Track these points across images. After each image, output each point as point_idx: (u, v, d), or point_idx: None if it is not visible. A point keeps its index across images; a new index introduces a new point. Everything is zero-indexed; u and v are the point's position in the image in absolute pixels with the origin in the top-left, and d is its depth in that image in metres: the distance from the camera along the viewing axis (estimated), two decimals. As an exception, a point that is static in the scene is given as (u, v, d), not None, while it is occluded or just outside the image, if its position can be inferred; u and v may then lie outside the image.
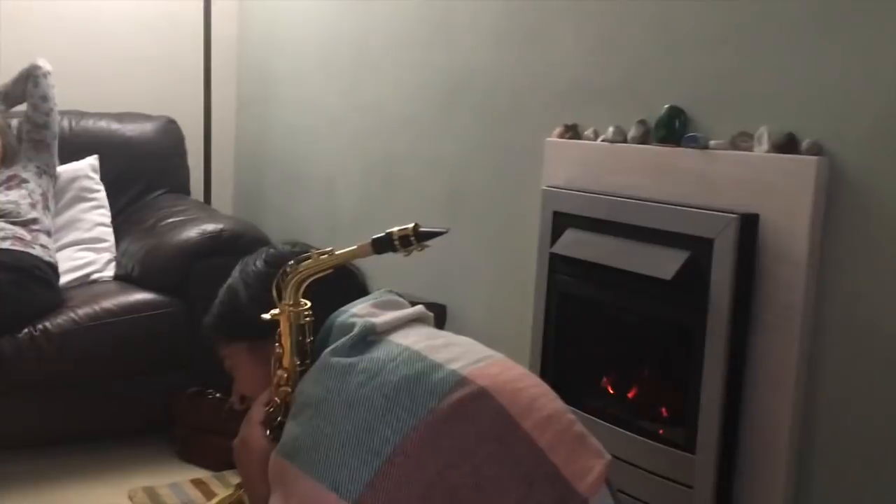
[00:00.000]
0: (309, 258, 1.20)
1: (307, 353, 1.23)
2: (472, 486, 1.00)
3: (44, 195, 2.71)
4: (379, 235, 1.14)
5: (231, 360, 1.30)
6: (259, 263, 1.31)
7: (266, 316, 1.23)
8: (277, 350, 1.22)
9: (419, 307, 1.24)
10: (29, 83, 2.79)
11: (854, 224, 1.43)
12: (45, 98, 2.79)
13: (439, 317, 2.34)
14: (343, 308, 1.18)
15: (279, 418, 1.20)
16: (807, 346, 1.49)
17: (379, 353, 1.09)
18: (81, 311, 2.50)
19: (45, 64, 2.81)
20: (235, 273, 1.33)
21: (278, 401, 1.21)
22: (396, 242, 1.14)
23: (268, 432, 1.19)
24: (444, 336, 1.18)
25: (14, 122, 2.92)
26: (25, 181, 2.68)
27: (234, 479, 2.44)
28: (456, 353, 1.11)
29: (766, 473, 1.53)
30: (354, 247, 1.16)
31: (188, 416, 2.58)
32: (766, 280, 1.53)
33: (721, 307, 1.55)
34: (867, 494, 1.42)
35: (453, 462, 1.01)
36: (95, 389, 2.53)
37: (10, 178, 2.68)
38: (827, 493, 1.48)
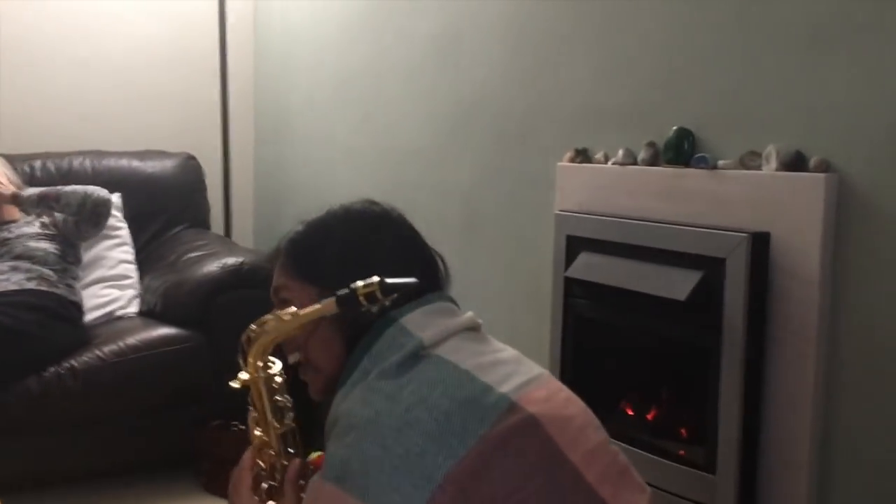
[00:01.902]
0: (270, 320, 1.14)
1: (286, 411, 1.21)
2: None
3: (75, 258, 2.78)
4: (343, 292, 1.09)
5: (288, 294, 1.19)
6: (362, 218, 1.23)
7: (234, 384, 1.21)
8: (252, 414, 1.21)
9: (469, 316, 1.18)
10: (97, 218, 2.77)
11: (865, 239, 1.43)
12: (98, 233, 2.84)
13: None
14: (395, 314, 1.12)
15: (269, 482, 1.17)
16: (822, 362, 1.48)
17: (428, 372, 1.05)
18: (107, 348, 2.54)
19: (118, 201, 2.91)
20: (338, 211, 1.25)
21: (263, 464, 1.19)
22: (361, 298, 1.09)
23: (261, 498, 1.16)
24: (492, 350, 1.13)
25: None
26: (55, 236, 2.73)
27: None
28: (504, 372, 1.08)
29: (787, 491, 1.52)
30: (318, 305, 1.11)
31: (213, 449, 2.60)
32: (779, 298, 1.53)
33: (735, 326, 1.56)
34: (890, 511, 1.41)
35: (502, 494, 0.98)
36: (121, 425, 2.56)
37: (43, 227, 2.74)
38: (849, 511, 1.47)
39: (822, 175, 1.46)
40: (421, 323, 1.11)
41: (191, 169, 3.30)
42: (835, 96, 1.47)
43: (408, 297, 1.14)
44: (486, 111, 2.35)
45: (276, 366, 1.21)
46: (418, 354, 1.07)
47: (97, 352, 2.52)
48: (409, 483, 0.97)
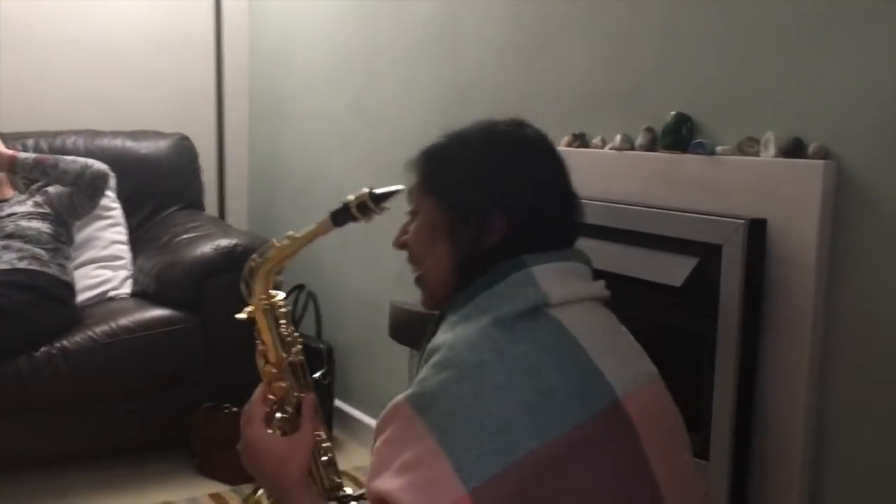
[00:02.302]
0: (270, 248, 1.18)
1: (292, 342, 1.22)
2: None
3: (68, 234, 2.75)
4: (336, 208, 1.13)
5: (415, 206, 1.18)
6: (504, 140, 1.16)
7: (241, 315, 1.22)
8: (260, 347, 1.22)
9: (599, 284, 1.13)
10: (86, 194, 2.73)
11: (862, 226, 1.42)
12: (94, 208, 2.81)
13: (452, 327, 2.35)
14: (526, 259, 1.06)
15: (280, 414, 1.18)
16: (818, 350, 1.48)
17: (545, 335, 1.00)
18: (98, 329, 2.53)
19: (112, 182, 2.88)
20: (481, 127, 1.19)
21: (274, 397, 1.20)
22: (355, 211, 1.13)
23: (269, 430, 1.16)
24: (613, 331, 1.10)
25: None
26: (48, 215, 2.70)
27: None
28: (618, 361, 1.04)
29: (781, 479, 1.52)
30: (314, 225, 1.14)
31: (205, 431, 2.61)
32: (775, 285, 1.52)
33: (731, 313, 1.55)
34: (882, 499, 1.41)
35: (575, 492, 0.94)
36: (113, 406, 2.57)
37: (37, 206, 2.72)
38: (842, 499, 1.47)
39: (820, 162, 1.45)
40: (551, 278, 1.05)
41: (185, 149, 3.29)
42: (833, 83, 1.46)
43: (544, 244, 1.09)
44: (482, 95, 2.33)
45: (279, 295, 1.23)
46: (540, 310, 1.02)
47: (89, 333, 2.52)
48: (491, 446, 0.93)
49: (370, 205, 1.14)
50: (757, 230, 1.53)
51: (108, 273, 2.88)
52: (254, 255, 1.19)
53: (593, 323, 1.06)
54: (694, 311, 1.64)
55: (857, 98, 1.42)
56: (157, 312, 2.64)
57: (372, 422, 2.84)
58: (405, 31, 2.63)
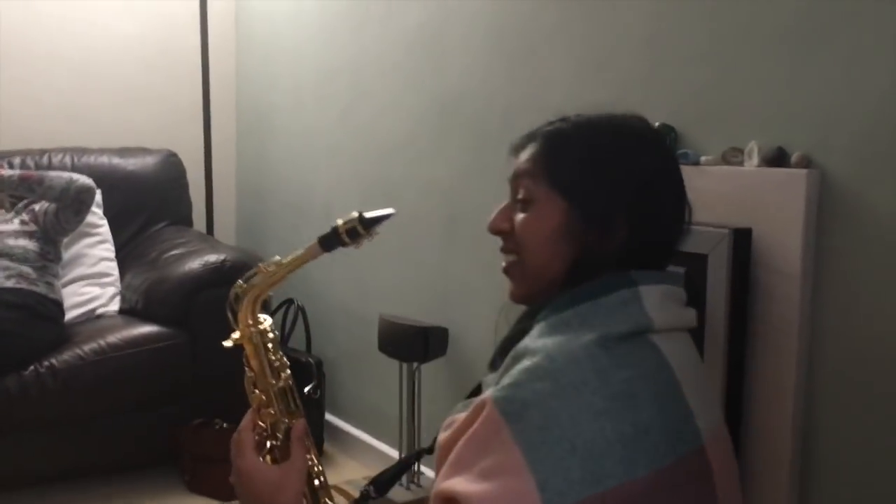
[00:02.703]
0: (256, 274, 1.14)
1: (281, 367, 1.19)
2: None
3: (56, 253, 2.74)
4: (325, 233, 1.09)
5: (528, 192, 1.08)
6: (637, 137, 1.08)
7: (227, 343, 1.19)
8: (248, 374, 1.19)
9: (693, 314, 1.08)
10: (79, 205, 2.72)
11: (846, 234, 1.43)
12: (79, 223, 2.79)
13: (442, 340, 2.35)
14: (635, 276, 1.01)
15: (271, 442, 1.16)
16: (804, 356, 1.49)
17: (647, 365, 0.96)
18: (87, 347, 2.52)
19: (99, 198, 2.87)
20: (610, 121, 1.10)
21: (264, 424, 1.17)
22: (344, 236, 1.09)
23: (264, 457, 1.14)
24: (696, 364, 1.07)
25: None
26: (34, 233, 2.70)
27: (242, 509, 2.45)
28: (703, 401, 1.01)
29: (769, 485, 1.53)
30: (301, 250, 1.10)
31: (195, 447, 2.60)
32: (761, 294, 1.53)
33: (717, 323, 1.56)
34: (869, 502, 1.42)
35: None
36: (102, 424, 2.55)
37: (23, 224, 2.71)
38: (829, 502, 1.48)
39: (803, 171, 1.46)
40: (657, 303, 1.00)
41: (172, 166, 3.29)
42: (815, 91, 1.47)
43: (654, 260, 1.05)
44: (469, 107, 2.34)
45: (267, 321, 1.19)
46: (643, 335, 0.98)
47: (77, 350, 2.51)
48: (578, 472, 0.88)
49: (360, 230, 1.10)
50: (742, 239, 1.54)
51: (96, 290, 2.87)
52: (239, 281, 1.16)
53: (686, 356, 1.03)
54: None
55: (839, 107, 1.43)
56: (146, 329, 2.63)
57: (361, 434, 2.83)
58: (391, 45, 2.64)
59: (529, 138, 1.11)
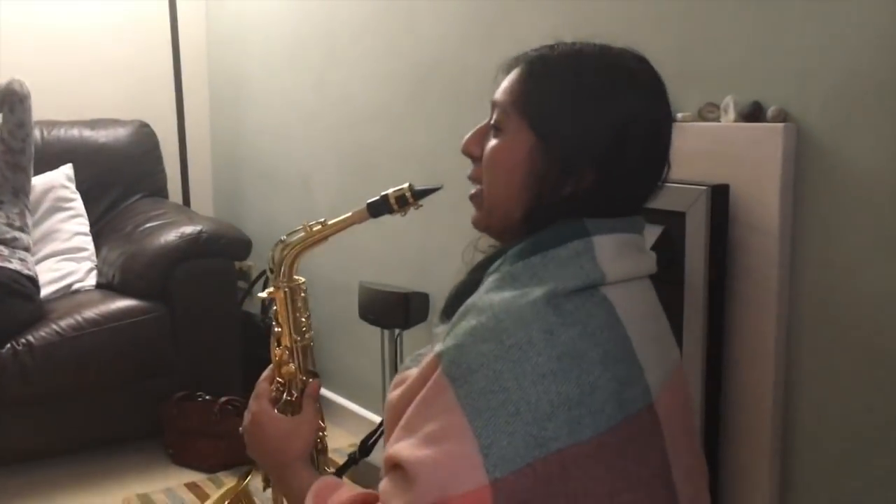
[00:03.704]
0: (299, 232, 1.17)
1: (306, 328, 1.22)
2: None
3: (21, 214, 2.69)
4: (374, 199, 1.12)
5: (501, 122, 1.02)
6: (628, 77, 1.00)
7: (262, 294, 1.24)
8: (276, 329, 1.21)
9: (651, 260, 1.05)
10: (4, 108, 2.68)
11: (823, 188, 1.43)
12: (21, 125, 2.69)
13: (423, 306, 2.34)
14: (589, 226, 0.97)
15: (285, 396, 1.19)
16: (784, 313, 1.49)
17: (595, 321, 0.92)
18: (64, 323, 2.50)
19: (21, 87, 2.72)
20: (600, 55, 1.02)
21: (281, 380, 1.20)
22: (392, 203, 1.12)
23: (276, 411, 1.17)
24: (654, 314, 1.05)
25: None
26: (1, 202, 2.65)
27: (228, 480, 2.45)
28: (657, 353, 0.99)
29: (750, 446, 1.54)
30: (349, 213, 1.13)
31: (178, 421, 2.59)
32: (739, 251, 1.53)
33: (697, 280, 1.55)
34: (849, 463, 1.43)
35: (596, 493, 0.89)
36: (83, 400, 2.54)
37: None
38: (810, 463, 1.49)
39: (779, 125, 1.45)
40: (610, 253, 0.97)
41: (145, 137, 3.25)
42: (791, 45, 1.46)
43: (619, 209, 1.00)
44: (445, 72, 2.31)
45: (301, 280, 1.22)
46: (596, 289, 0.94)
47: (54, 326, 2.49)
48: (523, 436, 0.86)
49: (409, 198, 1.12)
50: (719, 196, 1.53)
51: (71, 265, 2.84)
52: (282, 237, 1.19)
53: (641, 306, 1.00)
54: (660, 279, 1.64)
55: (815, 60, 1.42)
56: (124, 303, 2.61)
57: (344, 402, 2.84)
58: (363, 6, 2.60)
59: (517, 61, 1.05)
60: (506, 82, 1.04)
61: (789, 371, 1.50)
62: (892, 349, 1.35)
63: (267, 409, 1.16)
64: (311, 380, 1.21)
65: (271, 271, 1.20)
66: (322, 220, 1.17)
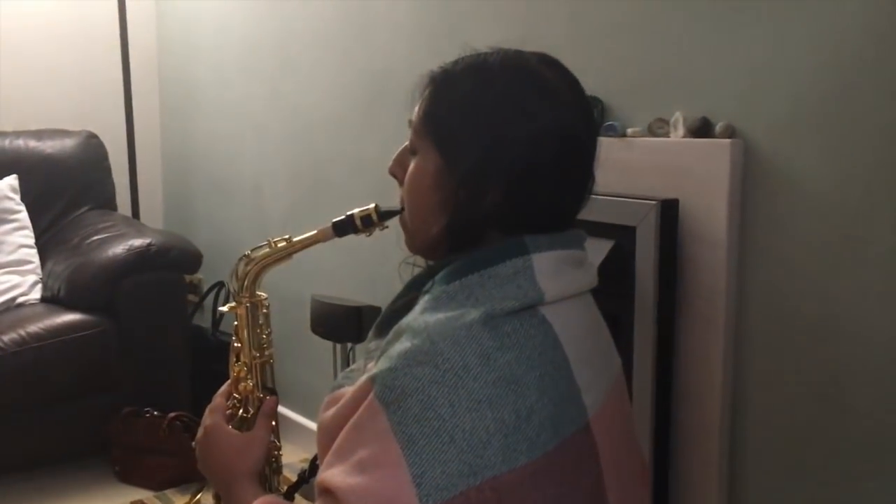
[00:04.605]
0: (263, 247, 1.17)
1: (267, 344, 1.22)
2: None
3: None
4: (339, 218, 1.11)
5: (413, 143, 1.02)
6: (506, 71, 0.98)
7: (223, 309, 1.22)
8: (235, 344, 1.20)
9: (592, 274, 1.03)
10: None
11: (770, 203, 1.45)
12: None
13: (374, 320, 2.32)
14: (528, 243, 0.95)
15: (241, 413, 1.18)
16: (732, 324, 1.51)
17: (532, 344, 0.90)
18: (7, 337, 2.44)
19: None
20: (505, 67, 0.99)
21: (238, 396, 1.19)
22: (358, 223, 1.10)
23: (230, 427, 1.16)
24: (595, 329, 1.03)
25: None
26: None
27: (176, 498, 2.41)
28: (594, 371, 0.97)
29: (700, 453, 1.55)
30: (314, 231, 1.12)
31: (124, 437, 2.54)
32: (688, 264, 1.55)
33: (647, 294, 1.57)
34: (794, 468, 1.45)
35: None
36: (26, 416, 2.47)
37: None
38: (759, 467, 1.51)
39: (727, 141, 1.48)
40: (549, 271, 0.94)
41: (93, 147, 3.19)
42: (740, 61, 1.48)
43: (546, 220, 0.98)
44: (397, 83, 2.31)
45: (264, 296, 1.22)
46: (534, 308, 0.92)
47: (-4, 341, 2.42)
48: (456, 465, 0.84)
49: (374, 218, 1.10)
50: (669, 210, 1.54)
51: (15, 279, 2.77)
52: (247, 252, 1.18)
53: (579, 322, 0.98)
54: (611, 294, 1.64)
55: (763, 77, 1.44)
56: (69, 317, 2.55)
57: (297, 417, 2.80)
58: (317, 17, 2.59)
59: (428, 80, 1.03)
60: (419, 101, 1.03)
61: (736, 380, 1.52)
62: (836, 359, 1.38)
63: (220, 424, 1.15)
64: (267, 397, 1.20)
65: (233, 286, 1.20)
66: (287, 236, 1.16)
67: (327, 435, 0.95)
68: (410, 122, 1.04)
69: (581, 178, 1.01)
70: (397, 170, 1.07)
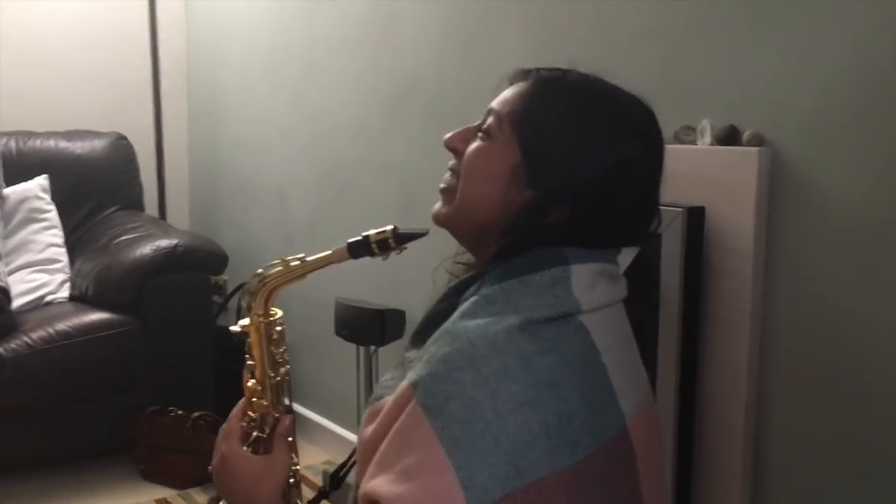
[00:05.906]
0: (278, 265, 1.13)
1: (282, 362, 1.18)
2: None
3: None
4: (355, 239, 1.07)
5: (493, 131, 1.02)
6: (610, 101, 1.01)
7: (235, 328, 1.17)
8: (249, 363, 1.17)
9: (623, 286, 1.04)
10: None
11: (797, 212, 1.45)
12: None
13: (398, 323, 2.34)
14: (568, 255, 0.96)
15: (256, 433, 1.15)
16: (757, 333, 1.50)
17: (571, 349, 0.92)
18: (35, 335, 2.47)
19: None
20: (608, 98, 1.02)
21: (253, 414, 1.16)
22: (374, 246, 1.07)
23: (245, 448, 1.12)
24: (626, 337, 1.04)
25: None
26: None
27: (199, 496, 2.43)
28: (629, 377, 0.98)
29: (724, 460, 1.55)
30: (329, 251, 1.09)
31: (149, 436, 2.56)
32: (714, 271, 1.54)
33: (672, 302, 1.56)
34: (820, 475, 1.44)
35: None
36: (53, 413, 2.50)
37: None
38: (782, 476, 1.50)
39: (754, 149, 1.47)
40: (586, 283, 0.96)
41: (122, 149, 3.23)
42: (768, 70, 1.48)
43: (598, 243, 0.99)
44: (423, 88, 2.32)
45: (278, 314, 1.18)
46: (572, 316, 0.94)
47: (25, 339, 2.45)
48: (503, 466, 0.84)
49: (391, 242, 1.07)
50: (695, 218, 1.54)
51: (44, 277, 2.80)
52: (259, 270, 1.15)
53: (614, 332, 1.00)
54: (636, 301, 1.65)
55: (791, 85, 1.44)
56: (97, 316, 2.58)
57: (319, 419, 2.82)
58: (343, 22, 2.61)
59: (524, 75, 1.04)
60: (508, 92, 1.03)
61: (761, 389, 1.51)
62: (864, 369, 1.37)
63: (237, 450, 1.11)
64: (283, 416, 1.16)
65: (246, 305, 1.16)
66: (301, 255, 1.13)
67: (369, 448, 0.95)
68: (491, 109, 1.04)
69: (643, 216, 1.04)
70: (459, 143, 1.06)
